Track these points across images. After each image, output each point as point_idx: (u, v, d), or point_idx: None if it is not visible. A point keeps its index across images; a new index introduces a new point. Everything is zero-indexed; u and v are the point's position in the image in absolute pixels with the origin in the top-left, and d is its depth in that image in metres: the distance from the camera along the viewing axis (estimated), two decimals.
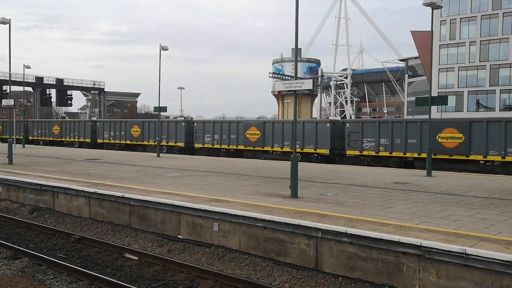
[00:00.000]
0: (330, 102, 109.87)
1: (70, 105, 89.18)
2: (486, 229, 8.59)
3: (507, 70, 58.80)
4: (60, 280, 8.60)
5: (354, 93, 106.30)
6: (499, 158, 22.97)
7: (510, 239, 7.77)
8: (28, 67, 43.83)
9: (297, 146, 28.17)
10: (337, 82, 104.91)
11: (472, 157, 23.73)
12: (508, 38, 58.30)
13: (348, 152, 28.13)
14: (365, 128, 27.51)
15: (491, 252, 6.98)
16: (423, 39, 64.71)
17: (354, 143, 27.76)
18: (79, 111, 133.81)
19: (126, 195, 12.40)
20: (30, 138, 50.05)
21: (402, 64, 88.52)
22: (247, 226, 9.88)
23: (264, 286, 8.03)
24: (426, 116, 21.43)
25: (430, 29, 20.01)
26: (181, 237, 11.06)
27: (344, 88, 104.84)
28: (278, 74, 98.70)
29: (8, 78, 25.45)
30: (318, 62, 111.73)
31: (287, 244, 9.30)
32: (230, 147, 33.75)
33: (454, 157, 24.31)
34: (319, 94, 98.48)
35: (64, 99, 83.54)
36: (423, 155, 24.04)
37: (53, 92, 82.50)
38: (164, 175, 17.54)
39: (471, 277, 7.14)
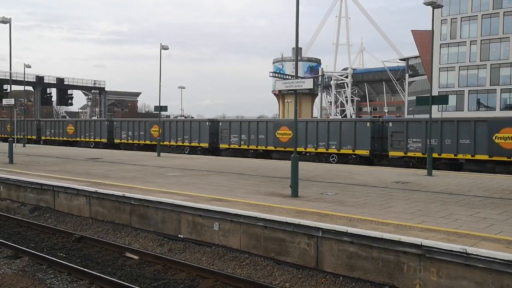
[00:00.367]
0: (331, 102, 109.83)
1: (71, 104, 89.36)
2: (487, 228, 8.59)
3: (507, 70, 58.77)
4: (61, 280, 8.60)
5: (354, 92, 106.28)
6: None
7: (511, 239, 7.77)
8: (29, 66, 43.84)
9: (333, 147, 28.34)
10: (338, 82, 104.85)
11: None
12: (509, 37, 58.27)
13: (391, 154, 26.50)
14: (410, 127, 25.78)
15: (492, 251, 6.98)
16: (423, 39, 64.68)
17: (397, 144, 25.99)
18: (79, 110, 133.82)
19: (127, 195, 12.40)
20: (43, 138, 48.92)
21: (403, 64, 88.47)
22: (248, 226, 9.88)
23: (264, 286, 8.02)
24: (482, 114, 21.00)
25: (430, 29, 20.01)
26: (182, 236, 11.06)
27: (344, 88, 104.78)
28: (278, 74, 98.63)
29: (8, 78, 25.43)
30: (318, 62, 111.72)
31: (287, 244, 9.30)
32: (259, 147, 32.26)
33: None
34: (319, 94, 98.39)
35: (65, 99, 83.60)
36: (478, 156, 23.47)
37: (53, 91, 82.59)
38: (164, 174, 17.54)
39: (471, 276, 7.14)
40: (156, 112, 33.96)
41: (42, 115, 78.83)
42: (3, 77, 70.03)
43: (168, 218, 11.44)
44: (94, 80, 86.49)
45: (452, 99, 58.42)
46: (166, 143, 37.64)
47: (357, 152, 27.57)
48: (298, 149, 28.82)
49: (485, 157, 23.50)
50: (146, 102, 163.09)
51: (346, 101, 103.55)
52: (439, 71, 63.52)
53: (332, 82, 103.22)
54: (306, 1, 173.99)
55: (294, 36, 12.61)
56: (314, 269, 8.80)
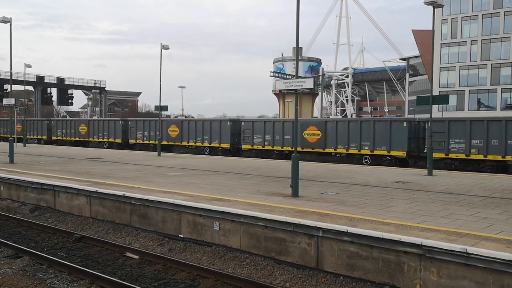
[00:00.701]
0: (331, 101, 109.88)
1: (71, 104, 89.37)
2: (487, 228, 8.58)
3: (508, 69, 58.75)
4: (61, 279, 8.61)
5: (355, 92, 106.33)
6: None
7: (511, 239, 7.76)
8: (29, 66, 43.85)
9: (366, 148, 27.18)
10: (338, 81, 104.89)
11: None
12: (510, 37, 58.24)
13: None
14: (452, 127, 24.52)
15: (492, 251, 6.98)
16: (424, 38, 64.69)
17: (438, 145, 24.27)
18: (80, 110, 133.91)
19: (127, 194, 12.40)
20: (54, 138, 47.83)
21: (403, 63, 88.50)
22: (248, 225, 9.88)
23: (265, 285, 8.02)
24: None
25: (431, 28, 19.99)
26: (182, 236, 11.06)
27: (345, 87, 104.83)
28: (279, 73, 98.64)
29: (9, 77, 25.45)
30: (319, 61, 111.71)
31: (288, 243, 9.29)
32: (284, 148, 30.94)
33: None
34: (320, 93, 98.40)
35: (65, 98, 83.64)
36: None
37: (54, 91, 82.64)
38: (165, 174, 17.54)
39: (472, 276, 7.14)
40: (156, 111, 33.87)
41: (42, 115, 78.87)
42: (4, 77, 70.07)
43: (168, 217, 11.44)
44: (95, 80, 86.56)
45: (453, 99, 58.40)
46: (184, 143, 36.53)
47: (392, 153, 26.30)
48: (328, 150, 28.92)
49: None
50: (146, 102, 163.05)
51: (347, 100, 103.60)
52: (440, 70, 63.51)
53: (332, 82, 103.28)
54: (307, 1, 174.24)
55: (295, 36, 12.64)
56: (315, 269, 8.80)
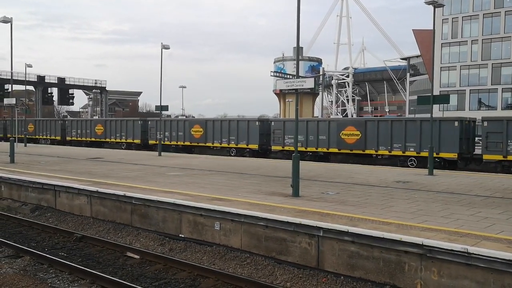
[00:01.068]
0: (332, 101, 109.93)
1: (72, 104, 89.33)
2: (488, 228, 8.58)
3: (509, 69, 58.74)
4: (62, 279, 8.61)
5: (355, 91, 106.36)
6: None
7: None
8: (30, 66, 43.88)
9: (411, 149, 25.65)
10: (339, 81, 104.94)
11: None
12: (510, 36, 58.21)
13: (486, 157, 23.58)
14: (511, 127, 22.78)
15: (493, 251, 6.97)
16: (424, 38, 64.65)
17: (494, 146, 23.02)
18: (80, 110, 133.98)
19: (128, 194, 12.41)
20: (68, 138, 46.46)
21: (404, 63, 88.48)
22: (249, 225, 9.88)
23: (265, 285, 8.02)
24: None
25: (432, 28, 19.99)
26: (183, 235, 11.07)
27: (345, 87, 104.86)
28: (279, 73, 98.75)
29: (10, 77, 25.47)
30: (319, 61, 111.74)
31: (288, 243, 9.29)
32: (319, 149, 29.27)
33: None
34: (320, 93, 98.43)
35: (66, 98, 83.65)
36: None
37: (54, 91, 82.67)
38: (166, 174, 17.55)
39: (473, 276, 7.13)
40: (157, 111, 33.86)
41: (43, 115, 78.92)
42: (5, 77, 70.12)
43: (169, 217, 11.45)
44: (95, 80, 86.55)
45: (453, 99, 58.42)
46: (208, 144, 35.04)
47: (442, 155, 24.65)
48: (368, 152, 27.28)
49: None
50: (147, 102, 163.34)
51: (347, 100, 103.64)
52: (440, 70, 63.50)
53: (333, 82, 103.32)
54: (307, 0, 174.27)
55: (295, 36, 12.64)
56: (315, 269, 8.80)
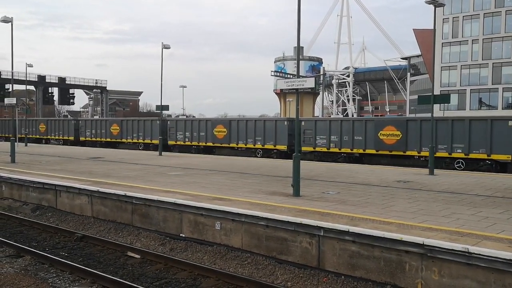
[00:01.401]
0: (332, 101, 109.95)
1: (73, 103, 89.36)
2: (489, 227, 8.58)
3: (509, 69, 58.67)
4: (63, 278, 8.62)
5: (356, 91, 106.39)
6: None
7: None
8: (31, 65, 43.90)
9: (459, 151, 24.02)
10: (339, 81, 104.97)
11: None
12: (511, 36, 58.13)
13: None
14: None
15: (494, 250, 6.97)
16: (425, 37, 64.59)
17: None
18: (81, 110, 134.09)
19: (129, 194, 12.41)
20: (82, 139, 45.00)
21: (404, 63, 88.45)
22: (249, 225, 9.88)
23: (266, 285, 8.03)
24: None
25: (432, 27, 19.99)
26: (184, 235, 11.07)
27: (346, 87, 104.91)
28: (280, 73, 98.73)
29: (10, 77, 25.49)
30: (320, 61, 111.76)
31: (289, 243, 9.30)
32: (355, 151, 27.55)
33: None
34: (321, 93, 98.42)
35: (66, 98, 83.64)
36: None
37: (55, 90, 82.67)
38: (166, 173, 17.55)
39: (473, 275, 7.13)
40: (157, 111, 33.85)
41: (44, 115, 78.95)
42: (5, 77, 70.15)
43: (170, 217, 11.45)
44: (96, 79, 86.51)
45: (454, 98, 58.40)
46: (232, 145, 33.38)
47: (494, 157, 23.03)
48: (409, 153, 25.53)
49: None
50: (147, 101, 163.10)
51: (348, 100, 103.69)
52: (441, 70, 63.42)
53: (333, 81, 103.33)
54: (308, 0, 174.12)
55: (296, 35, 12.64)
56: (316, 268, 8.80)
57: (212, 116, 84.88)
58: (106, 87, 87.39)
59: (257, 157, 30.64)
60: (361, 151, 27.30)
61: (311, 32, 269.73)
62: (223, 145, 34.11)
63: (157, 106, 31.84)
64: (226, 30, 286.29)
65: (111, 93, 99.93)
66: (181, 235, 11.13)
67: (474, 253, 7.08)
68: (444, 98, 22.23)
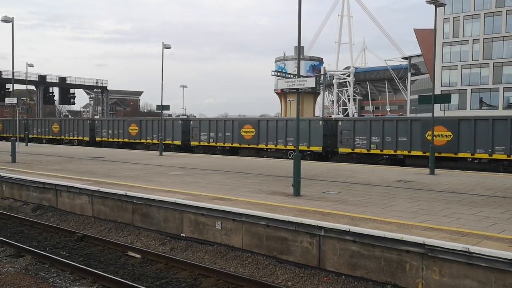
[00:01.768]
0: (333, 100, 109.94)
1: (73, 103, 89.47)
2: (490, 227, 8.57)
3: (510, 68, 58.65)
4: (64, 278, 8.62)
5: (356, 91, 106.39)
6: None
7: None
8: (31, 65, 43.90)
9: (501, 152, 22.90)
10: (340, 80, 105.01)
11: None
12: None
13: None
14: None
15: (495, 250, 6.97)
16: (426, 37, 64.58)
17: None
18: (82, 109, 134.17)
19: (129, 193, 12.42)
20: (98, 139, 43.49)
21: (405, 62, 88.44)
22: (250, 224, 9.88)
23: (267, 285, 8.03)
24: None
25: (433, 27, 19.98)
26: (184, 235, 11.07)
27: (346, 86, 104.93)
28: (280, 72, 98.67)
29: (11, 77, 25.51)
30: (320, 60, 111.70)
31: (289, 242, 9.30)
32: (398, 152, 25.96)
33: None
34: (321, 92, 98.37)
35: (67, 98, 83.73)
36: None
37: (56, 90, 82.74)
38: (167, 173, 17.56)
39: (474, 275, 7.13)
40: (158, 111, 33.82)
41: (44, 114, 79.01)
42: (6, 76, 70.18)
43: (170, 217, 11.45)
44: (96, 79, 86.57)
45: (455, 98, 58.39)
46: (261, 146, 31.88)
47: None
48: (462, 155, 24.11)
49: None
50: (148, 101, 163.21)
51: (348, 100, 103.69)
52: (442, 69, 63.40)
53: (334, 81, 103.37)
54: (308, 0, 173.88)
55: (296, 35, 12.64)
56: (316, 268, 8.80)
57: (212, 116, 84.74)
58: (106, 87, 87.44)
59: (289, 158, 28.72)
60: (405, 152, 25.83)
61: (312, 32, 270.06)
62: (250, 146, 32.58)
63: (157, 106, 31.92)
64: (227, 30, 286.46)
65: (111, 93, 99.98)
66: (181, 235, 11.14)
67: (474, 253, 7.07)
68: (445, 98, 22.19)
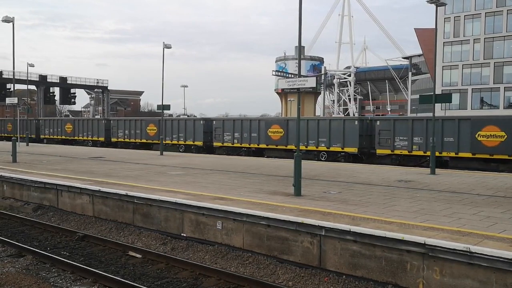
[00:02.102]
0: (334, 100, 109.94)
1: (74, 103, 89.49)
2: (491, 227, 8.56)
3: (511, 68, 58.60)
4: (64, 278, 8.63)
5: (357, 91, 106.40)
6: None
7: None
8: (32, 65, 43.88)
9: None
10: (341, 80, 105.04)
11: None
12: None
13: None
14: None
15: (495, 250, 6.96)
16: (426, 37, 64.55)
17: None
18: (82, 109, 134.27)
19: (130, 193, 12.42)
20: (113, 140, 41.90)
21: (406, 62, 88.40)
22: (251, 224, 9.88)
23: (267, 284, 8.03)
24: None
25: (434, 27, 19.96)
26: (185, 235, 11.08)
27: (347, 86, 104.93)
28: (281, 72, 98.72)
29: (12, 77, 25.51)
30: (321, 60, 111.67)
31: (290, 242, 9.29)
32: (444, 154, 24.42)
33: None
34: (322, 92, 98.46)
35: (68, 97, 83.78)
36: None
37: (56, 90, 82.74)
38: (167, 173, 17.56)
39: (475, 275, 7.12)
40: (159, 110, 33.81)
41: (45, 114, 79.07)
42: (7, 76, 70.23)
43: (171, 216, 11.46)
44: (97, 79, 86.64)
45: (456, 98, 58.35)
46: (290, 146, 30.09)
47: None
48: None
49: None
50: (149, 101, 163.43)
51: (349, 99, 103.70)
52: (442, 69, 63.35)
53: (335, 81, 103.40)
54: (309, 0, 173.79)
55: (297, 35, 12.63)
56: (317, 268, 8.80)
57: (213, 115, 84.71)
58: (107, 86, 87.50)
59: (321, 160, 27.90)
60: (452, 154, 24.46)
61: (313, 32, 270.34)
62: (278, 147, 31.22)
63: (158, 105, 31.86)
64: (227, 30, 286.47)
65: (112, 93, 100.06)
66: (182, 234, 11.14)
67: (475, 253, 7.07)
68: (445, 98, 22.01)
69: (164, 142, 37.40)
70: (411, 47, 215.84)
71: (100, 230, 12.25)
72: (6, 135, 52.91)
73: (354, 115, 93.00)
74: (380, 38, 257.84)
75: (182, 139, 37.08)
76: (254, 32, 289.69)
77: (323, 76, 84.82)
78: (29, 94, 68.10)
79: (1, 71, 72.20)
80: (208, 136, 35.63)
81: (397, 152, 26.10)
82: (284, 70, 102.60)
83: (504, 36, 58.75)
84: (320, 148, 29.05)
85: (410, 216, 9.50)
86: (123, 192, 12.62)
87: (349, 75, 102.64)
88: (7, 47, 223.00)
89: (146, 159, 24.93)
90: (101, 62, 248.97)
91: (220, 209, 10.41)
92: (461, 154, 24.24)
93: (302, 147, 28.55)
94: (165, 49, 30.16)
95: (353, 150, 27.56)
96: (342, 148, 28.01)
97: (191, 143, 36.25)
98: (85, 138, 44.74)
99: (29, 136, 49.22)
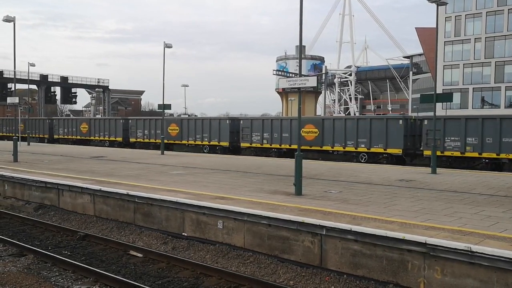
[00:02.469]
0: (334, 100, 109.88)
1: (75, 102, 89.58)
2: (492, 226, 8.56)
3: None
4: (65, 277, 8.63)
5: (358, 90, 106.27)
6: None
7: None
8: (33, 65, 43.93)
9: None
10: (341, 79, 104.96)
11: None
12: None
13: None
14: None
15: (497, 249, 6.96)
16: (427, 36, 64.48)
17: None
18: (83, 109, 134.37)
19: (131, 193, 12.43)
20: (132, 140, 40.64)
21: (407, 61, 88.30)
22: (252, 224, 9.88)
23: (268, 284, 8.03)
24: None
25: (434, 26, 19.93)
26: (186, 234, 11.08)
27: (348, 85, 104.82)
28: (282, 72, 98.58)
29: (13, 76, 25.53)
30: (322, 59, 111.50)
31: (291, 242, 9.30)
32: (502, 156, 22.85)
33: None
34: (323, 92, 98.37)
35: (69, 97, 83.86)
36: None
37: (57, 90, 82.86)
38: (168, 172, 17.57)
39: (476, 274, 7.12)
40: (159, 110, 33.82)
41: (46, 114, 79.13)
42: (8, 76, 70.29)
43: (172, 216, 11.46)
44: (98, 79, 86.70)
45: (457, 97, 58.23)
46: (327, 147, 28.92)
47: None
48: None
49: None
50: (149, 101, 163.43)
51: (350, 99, 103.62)
52: (443, 68, 63.30)
53: (335, 80, 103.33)
54: None
55: (298, 34, 12.62)
56: (318, 267, 8.80)
57: (213, 115, 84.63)
58: (108, 86, 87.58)
59: (360, 162, 26.69)
60: (494, 155, 22.95)
61: (313, 31, 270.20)
62: (312, 147, 29.57)
63: (159, 105, 31.88)
64: (228, 29, 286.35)
65: (113, 92, 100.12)
66: (183, 234, 11.14)
67: (476, 252, 7.07)
68: (446, 97, 21.96)
69: (186, 142, 37.05)
70: (412, 47, 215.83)
71: (101, 229, 12.26)
72: (17, 135, 52.44)
73: (355, 114, 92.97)
74: (381, 38, 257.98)
75: (206, 140, 35.68)
76: (254, 32, 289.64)
77: (324, 75, 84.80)
78: (30, 94, 68.11)
79: (2, 71, 72.28)
80: (234, 137, 34.27)
81: (447, 153, 24.56)
82: (284, 70, 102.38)
83: (505, 35, 58.68)
84: (359, 149, 27.54)
85: (411, 216, 9.50)
86: (124, 191, 12.63)
87: (350, 75, 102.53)
88: (8, 47, 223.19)
89: (147, 158, 24.94)
90: (101, 62, 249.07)
91: (221, 208, 10.41)
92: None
93: (339, 148, 28.44)
94: (165, 48, 30.15)
95: (397, 151, 26.08)
96: (385, 149, 26.51)
97: (216, 143, 34.90)
98: (101, 138, 43.39)
99: (43, 136, 48.37)
